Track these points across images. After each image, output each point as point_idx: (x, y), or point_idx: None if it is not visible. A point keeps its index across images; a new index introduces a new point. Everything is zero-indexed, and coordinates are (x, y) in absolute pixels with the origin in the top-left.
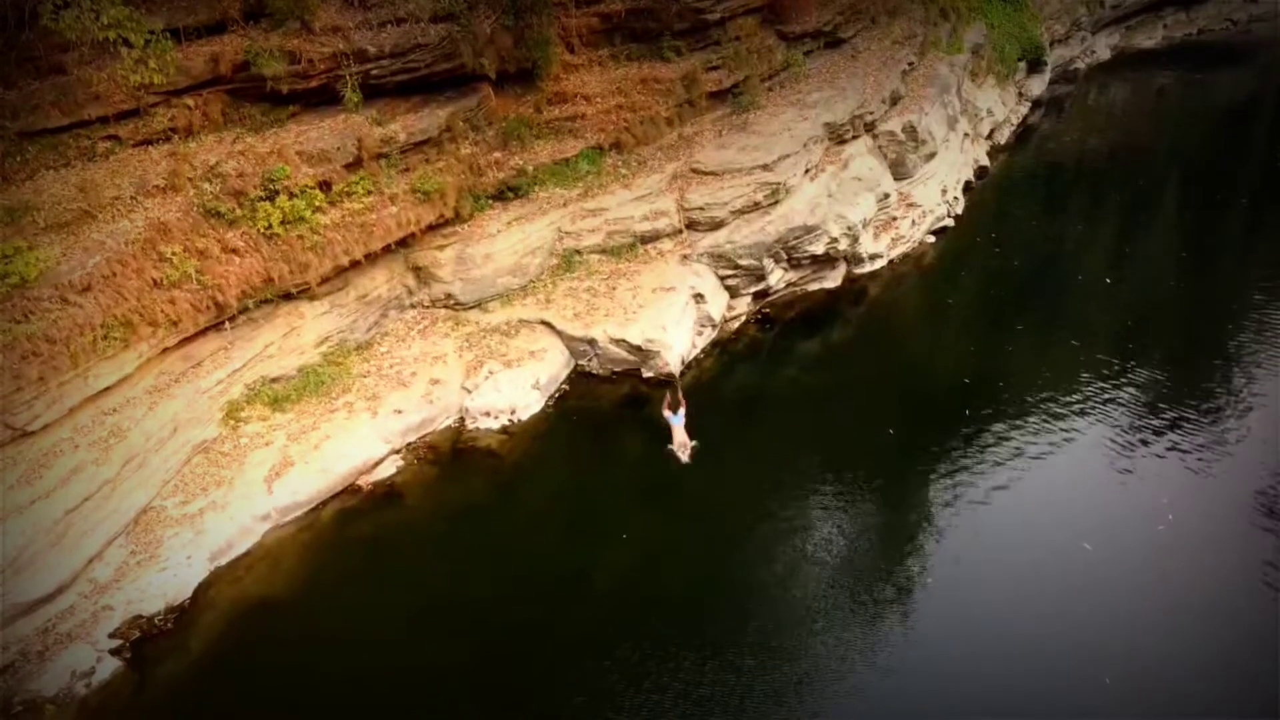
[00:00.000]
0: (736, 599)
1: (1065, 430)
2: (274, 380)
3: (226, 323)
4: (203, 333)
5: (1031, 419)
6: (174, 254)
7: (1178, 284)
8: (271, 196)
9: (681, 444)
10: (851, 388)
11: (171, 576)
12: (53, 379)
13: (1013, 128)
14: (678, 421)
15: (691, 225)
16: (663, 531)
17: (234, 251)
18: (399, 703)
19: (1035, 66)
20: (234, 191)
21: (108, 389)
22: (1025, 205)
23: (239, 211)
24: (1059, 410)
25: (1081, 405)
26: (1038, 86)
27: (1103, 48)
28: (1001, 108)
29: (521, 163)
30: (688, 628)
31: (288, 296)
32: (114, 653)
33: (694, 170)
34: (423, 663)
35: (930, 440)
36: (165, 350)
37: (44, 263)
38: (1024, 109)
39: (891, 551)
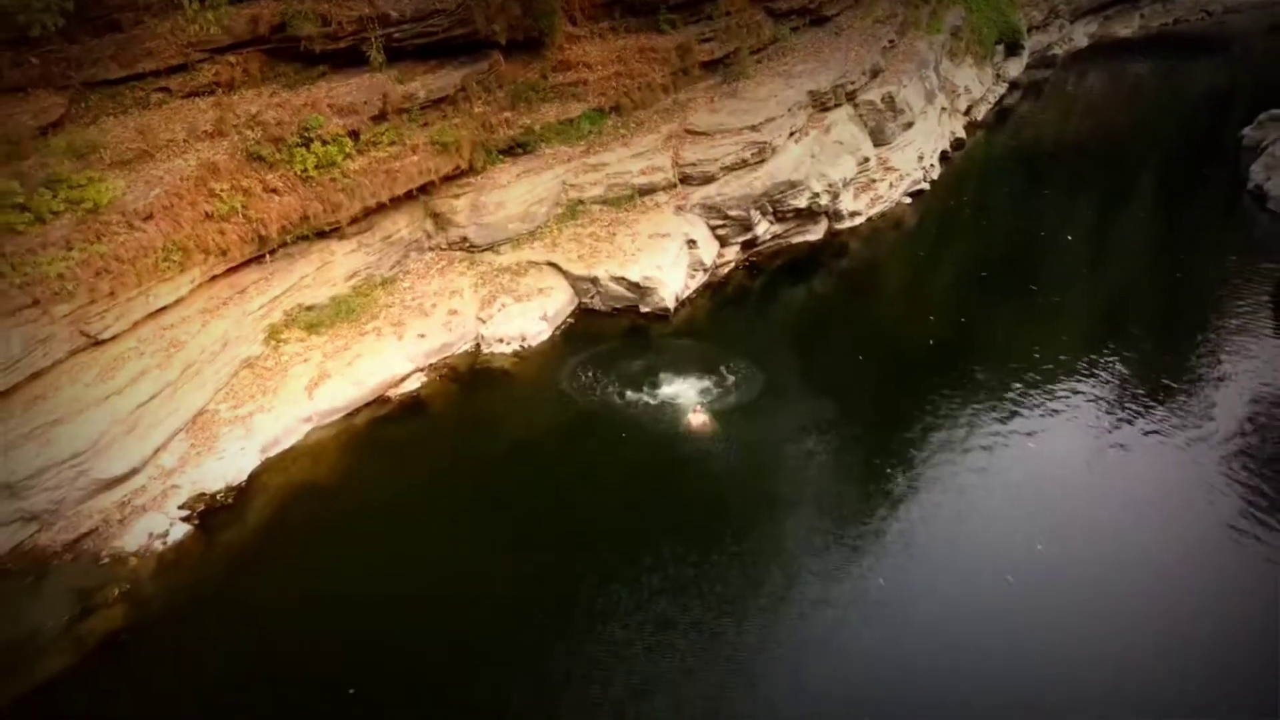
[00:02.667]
0: (710, 508)
1: (1015, 367)
2: (309, 308)
3: (267, 255)
4: (246, 263)
5: (990, 355)
6: (223, 190)
7: (1137, 243)
8: (307, 143)
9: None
10: (829, 327)
11: (229, 464)
12: (121, 294)
13: (989, 106)
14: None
15: (685, 180)
16: (654, 438)
17: (274, 191)
18: (421, 567)
19: (1013, 50)
20: (274, 138)
21: (165, 307)
22: (999, 176)
23: (278, 156)
24: (1015, 347)
25: (1032, 342)
26: (1015, 69)
27: (1080, 35)
28: (979, 86)
29: (529, 122)
30: (687, 533)
31: (321, 234)
32: (184, 520)
33: (688, 131)
34: (443, 541)
35: (900, 375)
36: (214, 277)
37: (112, 192)
38: (1001, 89)
39: (865, 497)
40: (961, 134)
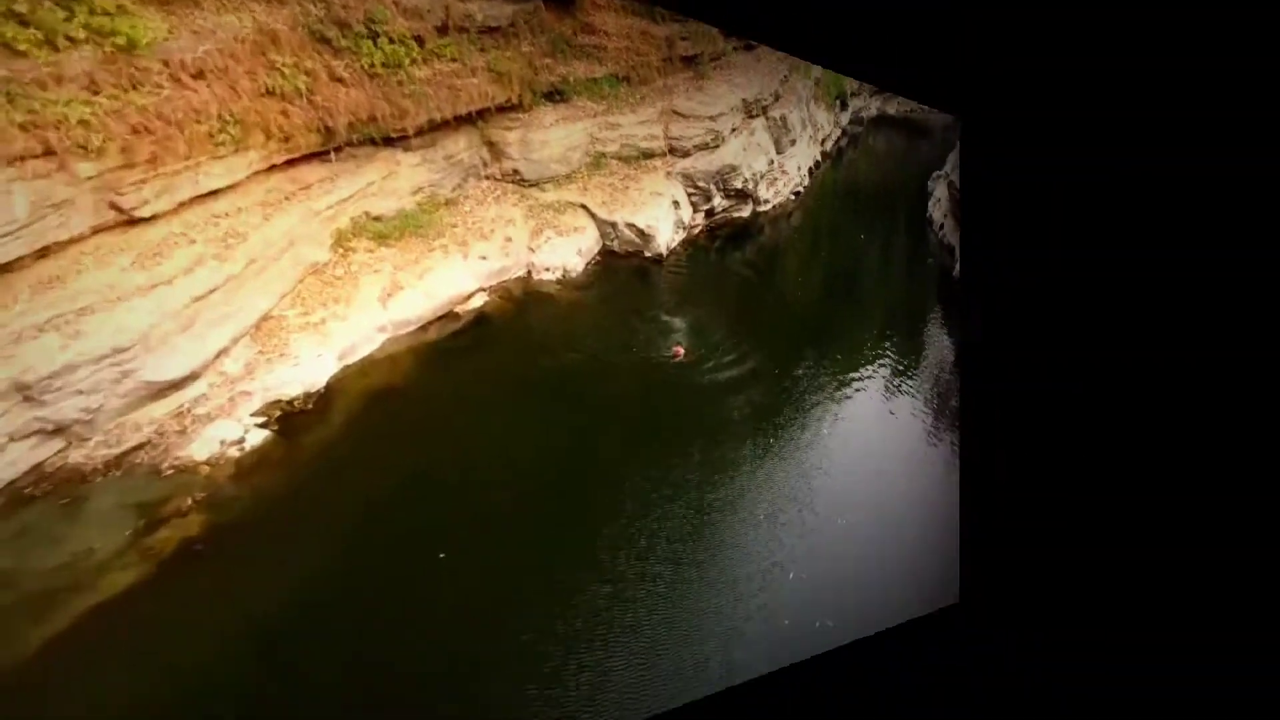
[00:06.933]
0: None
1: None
2: (376, 218)
3: (332, 153)
4: (309, 158)
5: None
6: (284, 65)
7: (853, 246)
8: (374, 37)
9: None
10: (761, 275)
11: (306, 370)
12: (166, 163)
13: (834, 141)
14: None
15: (672, 150)
16: (653, 359)
17: (341, 81)
18: (500, 472)
19: (843, 104)
20: (338, 21)
21: (218, 191)
22: (835, 188)
23: (344, 42)
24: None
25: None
26: (845, 119)
27: (873, 108)
28: (828, 126)
29: (565, 72)
30: (676, 411)
31: (388, 141)
32: (261, 426)
33: (673, 111)
34: (518, 437)
35: (804, 289)
36: (273, 167)
37: (152, 33)
38: (838, 132)
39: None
40: (819, 158)
